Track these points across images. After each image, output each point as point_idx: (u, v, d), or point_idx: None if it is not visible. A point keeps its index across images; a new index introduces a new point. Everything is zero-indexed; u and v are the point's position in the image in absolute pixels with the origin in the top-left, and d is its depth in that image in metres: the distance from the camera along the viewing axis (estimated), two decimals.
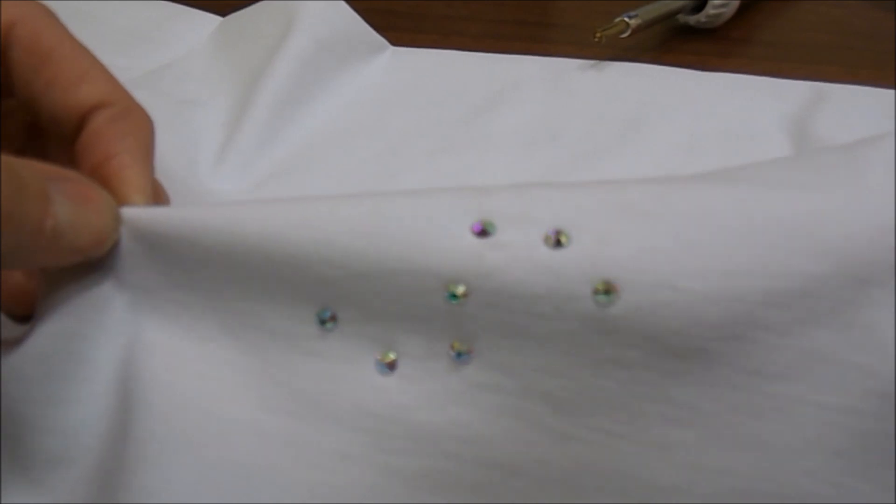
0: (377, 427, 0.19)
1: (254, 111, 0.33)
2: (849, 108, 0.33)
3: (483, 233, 0.18)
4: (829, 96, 0.34)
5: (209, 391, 0.20)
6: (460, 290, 0.18)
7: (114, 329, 0.20)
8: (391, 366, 0.19)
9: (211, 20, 0.40)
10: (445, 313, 0.18)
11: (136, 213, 0.20)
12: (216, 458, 0.19)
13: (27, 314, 0.21)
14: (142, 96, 0.26)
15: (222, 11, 0.40)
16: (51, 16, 0.22)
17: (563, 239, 0.17)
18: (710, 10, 0.38)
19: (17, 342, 0.20)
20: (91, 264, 0.20)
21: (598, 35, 0.35)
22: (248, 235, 0.19)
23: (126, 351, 0.20)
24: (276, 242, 0.19)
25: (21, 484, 0.20)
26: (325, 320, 0.19)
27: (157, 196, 0.23)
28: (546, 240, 0.17)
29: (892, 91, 0.34)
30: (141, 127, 0.22)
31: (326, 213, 0.19)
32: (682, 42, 0.39)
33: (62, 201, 0.18)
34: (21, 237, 0.17)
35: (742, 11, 0.40)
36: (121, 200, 0.20)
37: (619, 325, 0.17)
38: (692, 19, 0.39)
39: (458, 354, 0.18)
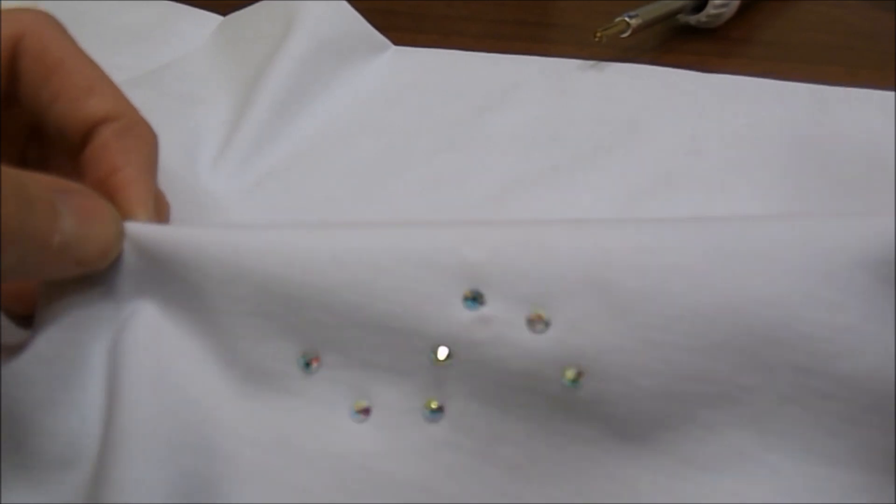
0: (343, 469, 0.20)
1: (254, 110, 0.33)
2: (849, 111, 0.33)
3: (473, 301, 0.20)
4: (829, 99, 0.34)
5: (192, 407, 0.20)
6: (444, 354, 0.20)
7: (109, 338, 0.21)
8: (365, 413, 0.20)
9: (212, 19, 0.40)
10: (426, 372, 0.20)
11: (139, 230, 0.21)
12: (190, 468, 0.19)
13: (27, 313, 0.21)
14: (142, 95, 0.26)
15: (223, 11, 0.40)
16: (60, 28, 0.22)
17: (541, 325, 0.19)
18: (710, 10, 0.38)
19: (20, 347, 0.20)
20: (92, 274, 0.20)
21: (598, 35, 0.35)
22: (245, 269, 0.20)
23: (115, 357, 0.21)
24: (274, 281, 0.20)
25: (23, 484, 0.20)
26: (309, 362, 0.20)
27: (160, 205, 0.23)
28: (528, 322, 0.19)
29: (892, 94, 0.34)
30: (146, 141, 0.22)
31: (328, 261, 0.20)
32: (682, 42, 0.39)
33: (69, 215, 0.18)
34: (28, 251, 0.18)
35: (742, 11, 0.40)
36: (125, 215, 0.21)
37: (580, 407, 0.19)
38: (692, 19, 0.39)
39: (431, 412, 0.20)
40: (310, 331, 0.20)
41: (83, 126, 0.22)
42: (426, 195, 0.30)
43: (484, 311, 0.20)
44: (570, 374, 0.19)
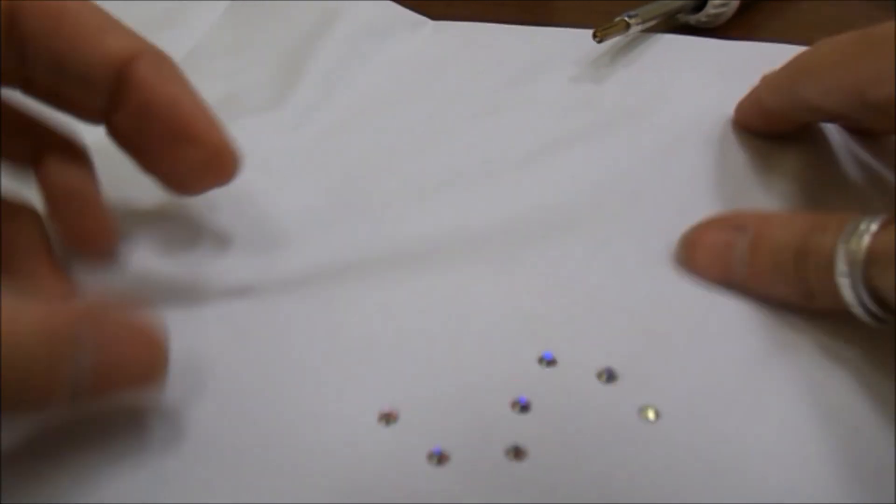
0: None
1: (298, 81, 0.35)
2: None
3: (548, 363, 0.23)
4: None
5: (263, 452, 0.21)
6: (523, 403, 0.22)
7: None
8: (445, 460, 0.21)
9: (220, 6, 0.41)
10: (505, 421, 0.22)
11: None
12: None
13: None
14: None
15: None
16: None
17: (608, 377, 0.23)
18: (710, 9, 0.39)
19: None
20: None
21: (598, 35, 0.36)
22: (326, 321, 0.24)
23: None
24: (354, 332, 0.23)
25: None
26: (387, 416, 0.22)
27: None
28: (597, 375, 0.23)
29: None
30: (178, 68, 0.22)
31: (412, 314, 0.24)
32: None
33: (94, 350, 0.16)
34: (31, 411, 0.16)
35: (742, 11, 0.40)
36: (213, 148, 0.21)
37: (650, 445, 0.21)
38: (692, 19, 0.40)
39: (511, 458, 0.21)
40: (389, 383, 0.22)
41: (108, 65, 0.21)
42: (471, 154, 0.32)
43: (557, 369, 0.23)
44: (649, 412, 0.22)
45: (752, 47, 0.37)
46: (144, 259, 0.26)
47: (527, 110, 0.35)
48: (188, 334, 0.24)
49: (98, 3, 0.40)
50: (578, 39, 0.38)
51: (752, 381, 0.22)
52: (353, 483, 0.20)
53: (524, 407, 0.22)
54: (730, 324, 0.24)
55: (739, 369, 0.23)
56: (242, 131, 0.31)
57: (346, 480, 0.20)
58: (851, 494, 0.20)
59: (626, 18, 0.36)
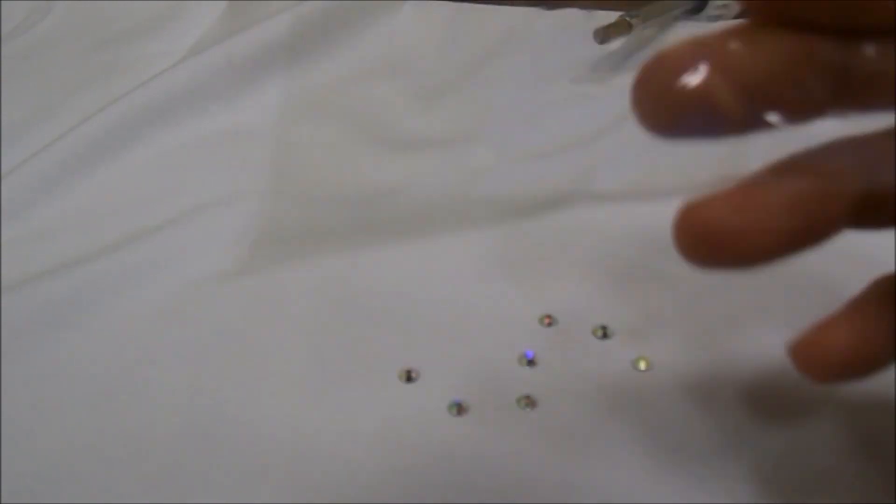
0: (446, 454, 0.22)
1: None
2: None
3: (547, 321, 0.25)
4: None
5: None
6: (531, 357, 0.24)
7: None
8: (464, 411, 0.23)
9: (218, 4, 0.42)
10: (515, 374, 0.24)
11: None
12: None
13: None
14: (207, 68, 0.32)
15: None
16: None
17: (607, 333, 0.25)
18: (711, 10, 0.39)
19: None
20: None
21: (599, 35, 0.36)
22: (350, 291, 0.26)
23: None
24: (376, 301, 0.26)
25: None
26: (409, 375, 0.24)
27: None
28: (594, 332, 0.25)
29: None
30: None
31: (427, 296, 0.26)
32: None
33: None
34: None
35: (743, 12, 0.41)
36: None
37: (642, 391, 0.23)
38: (693, 20, 0.40)
39: (524, 404, 0.23)
40: (407, 346, 0.24)
41: None
42: (461, 118, 0.36)
43: (557, 326, 0.25)
44: (640, 362, 0.24)
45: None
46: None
47: (501, 77, 0.37)
48: (213, 311, 0.26)
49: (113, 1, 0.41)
50: (551, 17, 0.40)
51: (736, 335, 0.24)
52: (380, 434, 0.22)
53: (531, 361, 0.24)
54: (714, 284, 0.25)
55: (725, 325, 0.24)
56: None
57: (374, 433, 0.22)
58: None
59: (628, 19, 0.36)
